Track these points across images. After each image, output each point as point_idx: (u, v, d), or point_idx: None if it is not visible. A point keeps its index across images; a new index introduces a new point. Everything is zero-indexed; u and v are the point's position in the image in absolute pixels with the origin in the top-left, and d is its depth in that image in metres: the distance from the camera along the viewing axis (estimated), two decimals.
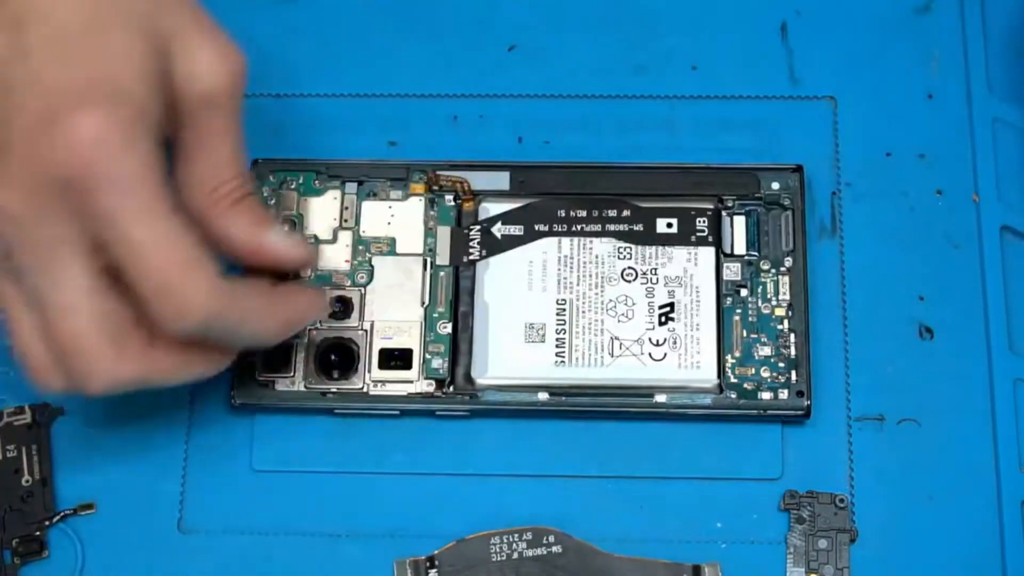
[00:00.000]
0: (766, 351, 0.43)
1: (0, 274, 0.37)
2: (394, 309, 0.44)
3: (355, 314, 0.44)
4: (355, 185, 0.46)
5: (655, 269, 0.44)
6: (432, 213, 0.45)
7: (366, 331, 0.44)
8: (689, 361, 0.43)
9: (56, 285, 0.36)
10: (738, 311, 0.44)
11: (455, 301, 0.44)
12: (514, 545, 0.42)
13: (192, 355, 0.38)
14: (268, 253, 0.39)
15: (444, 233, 0.45)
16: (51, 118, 0.35)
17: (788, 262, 0.44)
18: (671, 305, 0.44)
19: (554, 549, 0.42)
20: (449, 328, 0.44)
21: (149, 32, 0.37)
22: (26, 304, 0.37)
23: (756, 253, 0.44)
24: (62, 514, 0.43)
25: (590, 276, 0.44)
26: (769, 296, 0.44)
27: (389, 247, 0.45)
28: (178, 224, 0.36)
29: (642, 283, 0.44)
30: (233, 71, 0.38)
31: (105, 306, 0.36)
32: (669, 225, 0.45)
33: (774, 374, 0.43)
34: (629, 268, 0.44)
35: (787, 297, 0.44)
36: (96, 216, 0.35)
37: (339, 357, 0.44)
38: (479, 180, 0.45)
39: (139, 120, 0.36)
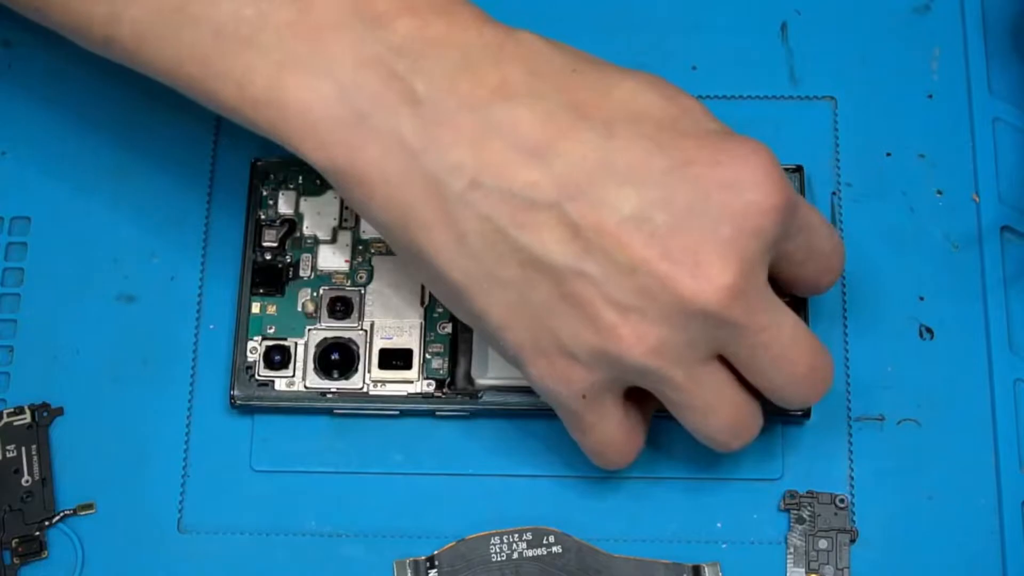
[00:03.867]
0: None
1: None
2: (394, 309, 0.44)
3: (355, 314, 0.44)
4: None
5: None
6: None
7: (366, 331, 0.44)
8: None
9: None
10: None
11: None
12: (514, 545, 0.42)
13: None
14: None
15: None
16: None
17: None
18: None
19: (554, 549, 0.42)
20: (449, 328, 0.44)
21: None
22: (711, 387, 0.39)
23: None
24: (62, 514, 0.43)
25: None
26: None
27: (389, 247, 0.45)
28: (799, 321, 0.39)
29: None
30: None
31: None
32: None
33: None
34: None
35: (787, 297, 0.44)
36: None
37: (339, 357, 0.44)
38: None
39: None
